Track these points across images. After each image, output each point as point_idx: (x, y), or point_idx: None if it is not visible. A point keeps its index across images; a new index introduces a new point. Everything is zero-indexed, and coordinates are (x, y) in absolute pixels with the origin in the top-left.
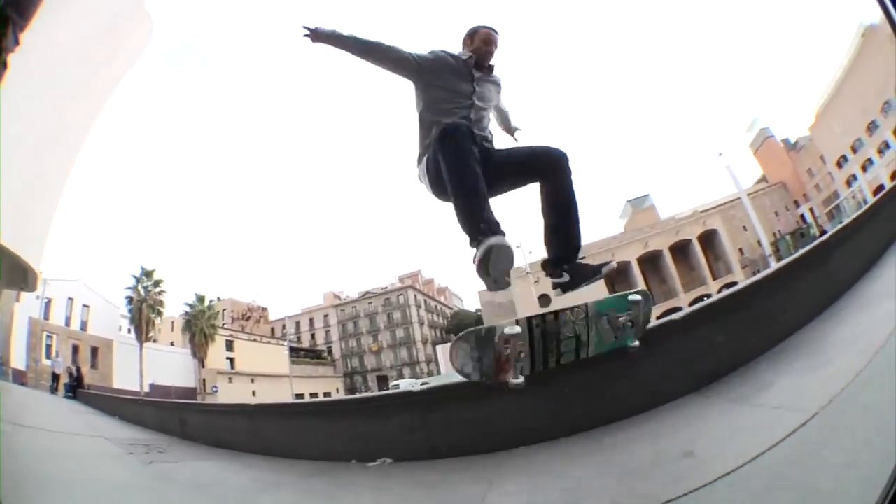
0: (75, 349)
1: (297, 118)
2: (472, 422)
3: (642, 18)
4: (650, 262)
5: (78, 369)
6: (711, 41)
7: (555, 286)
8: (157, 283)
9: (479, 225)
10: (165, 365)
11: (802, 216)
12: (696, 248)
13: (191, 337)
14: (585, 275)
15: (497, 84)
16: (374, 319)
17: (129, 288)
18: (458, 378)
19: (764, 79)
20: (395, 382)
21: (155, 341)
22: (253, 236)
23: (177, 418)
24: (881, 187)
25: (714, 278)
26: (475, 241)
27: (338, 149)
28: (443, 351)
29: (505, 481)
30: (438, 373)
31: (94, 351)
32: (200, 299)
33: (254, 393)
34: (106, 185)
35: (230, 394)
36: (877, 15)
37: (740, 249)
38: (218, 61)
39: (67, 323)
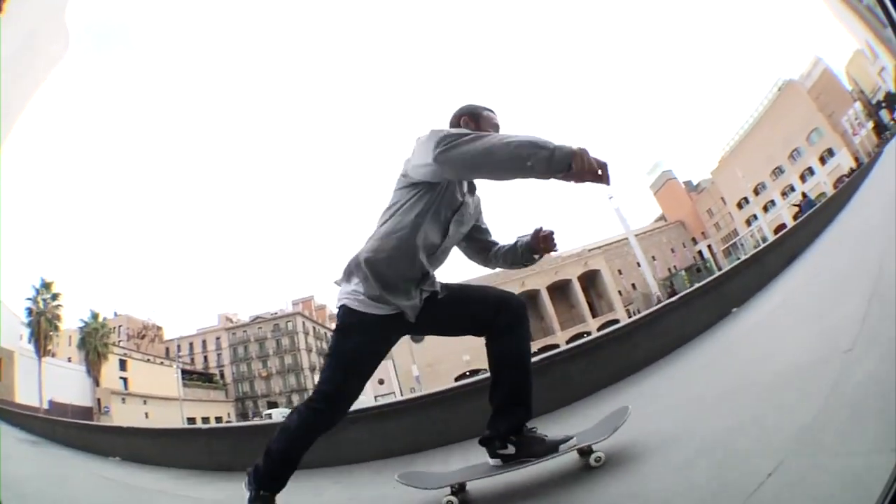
0: None
1: (197, 131)
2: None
3: (557, 54)
4: (528, 300)
5: None
6: (621, 85)
7: (493, 456)
8: (55, 297)
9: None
10: (63, 381)
11: (700, 252)
12: (576, 287)
13: (85, 354)
14: (536, 451)
15: (477, 201)
16: (263, 344)
17: (30, 299)
18: None
19: (669, 124)
20: (268, 412)
21: (53, 355)
22: (154, 251)
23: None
24: (783, 226)
25: (594, 316)
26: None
27: (244, 166)
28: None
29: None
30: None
31: None
32: (95, 316)
33: (146, 415)
34: (8, 189)
35: (123, 415)
36: (797, 72)
37: (633, 284)
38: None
39: None
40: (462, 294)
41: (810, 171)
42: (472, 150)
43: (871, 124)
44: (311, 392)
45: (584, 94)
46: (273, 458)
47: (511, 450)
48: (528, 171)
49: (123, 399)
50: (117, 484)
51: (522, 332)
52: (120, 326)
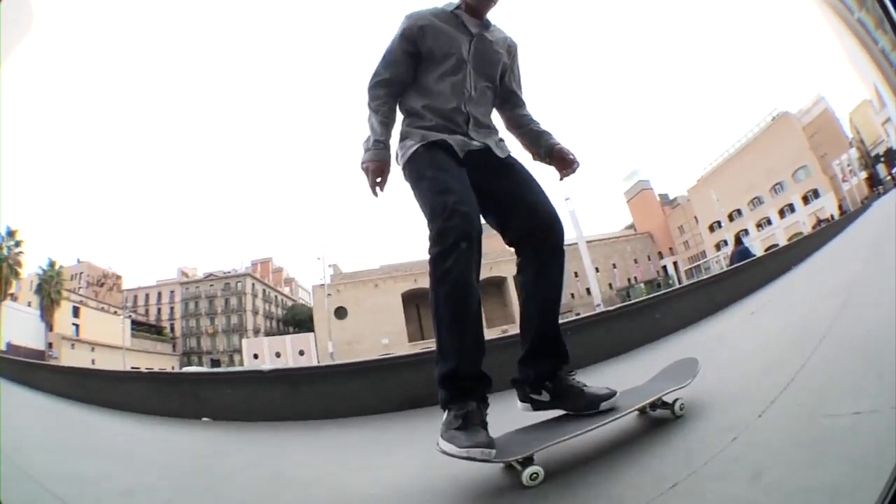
0: None
1: (171, 82)
2: None
3: (555, 57)
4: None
5: None
6: (611, 85)
7: (524, 399)
8: (17, 244)
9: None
10: (22, 324)
11: (665, 268)
12: (511, 285)
13: (40, 300)
14: (575, 402)
15: (506, 43)
16: (213, 302)
17: None
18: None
19: (655, 133)
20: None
21: (16, 299)
22: (126, 200)
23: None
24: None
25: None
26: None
27: (218, 128)
28: (247, 345)
29: None
30: (241, 364)
31: None
32: (52, 264)
33: (93, 361)
34: None
35: (70, 360)
36: (795, 106)
37: (587, 289)
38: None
39: None
40: (521, 180)
41: (791, 207)
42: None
43: (864, 174)
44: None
45: (572, 90)
46: (445, 342)
47: (545, 396)
48: None
49: (73, 345)
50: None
51: (562, 262)
52: (81, 273)
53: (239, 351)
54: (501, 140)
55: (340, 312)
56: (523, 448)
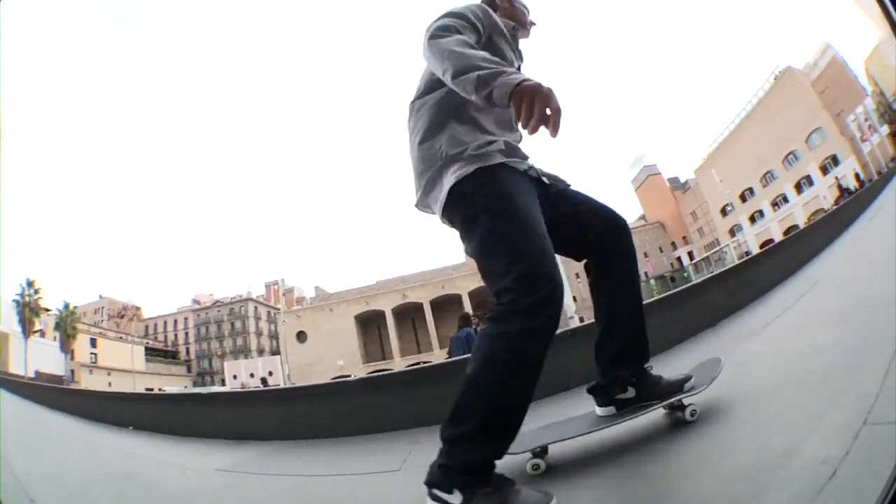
0: None
1: (193, 110)
2: None
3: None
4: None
5: None
6: (608, 70)
7: (605, 404)
8: (36, 291)
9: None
10: (48, 355)
11: (679, 259)
12: (466, 301)
13: (60, 335)
14: (659, 391)
15: None
16: (220, 326)
17: (18, 294)
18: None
19: (658, 113)
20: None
21: (43, 335)
22: (141, 236)
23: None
24: (770, 241)
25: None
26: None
27: (233, 150)
28: (228, 367)
29: None
30: (222, 384)
31: None
32: (67, 306)
33: (109, 384)
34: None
35: (89, 384)
36: (801, 61)
37: (573, 297)
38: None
39: None
40: (570, 192)
41: (808, 180)
42: (440, 50)
43: (886, 130)
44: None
45: (566, 75)
46: (476, 419)
47: (631, 393)
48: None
49: (91, 371)
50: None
51: (635, 259)
52: (103, 308)
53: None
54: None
55: (301, 336)
56: (534, 440)
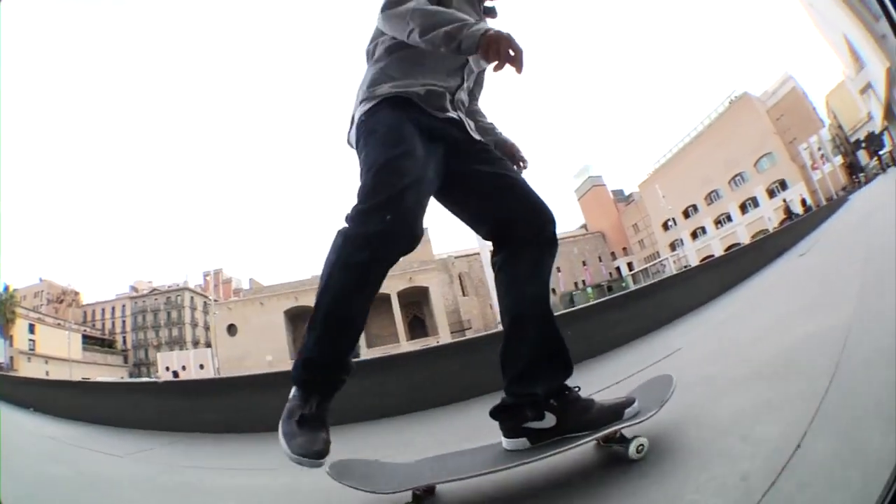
0: None
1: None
2: None
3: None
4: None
5: None
6: (566, 76)
7: (513, 434)
8: None
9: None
10: None
11: (619, 269)
12: (395, 302)
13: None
14: (590, 420)
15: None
16: (157, 315)
17: None
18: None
19: (607, 125)
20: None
21: None
22: (86, 217)
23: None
24: (710, 257)
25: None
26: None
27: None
28: (160, 358)
29: None
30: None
31: None
32: (7, 289)
33: (47, 373)
34: None
35: (26, 371)
36: (760, 88)
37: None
38: None
39: None
40: (503, 165)
41: (754, 201)
42: (399, 15)
43: (840, 160)
44: None
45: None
46: (317, 325)
47: (550, 421)
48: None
49: (29, 358)
50: None
51: (551, 261)
52: (42, 291)
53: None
54: (492, 125)
55: (232, 329)
56: (407, 481)
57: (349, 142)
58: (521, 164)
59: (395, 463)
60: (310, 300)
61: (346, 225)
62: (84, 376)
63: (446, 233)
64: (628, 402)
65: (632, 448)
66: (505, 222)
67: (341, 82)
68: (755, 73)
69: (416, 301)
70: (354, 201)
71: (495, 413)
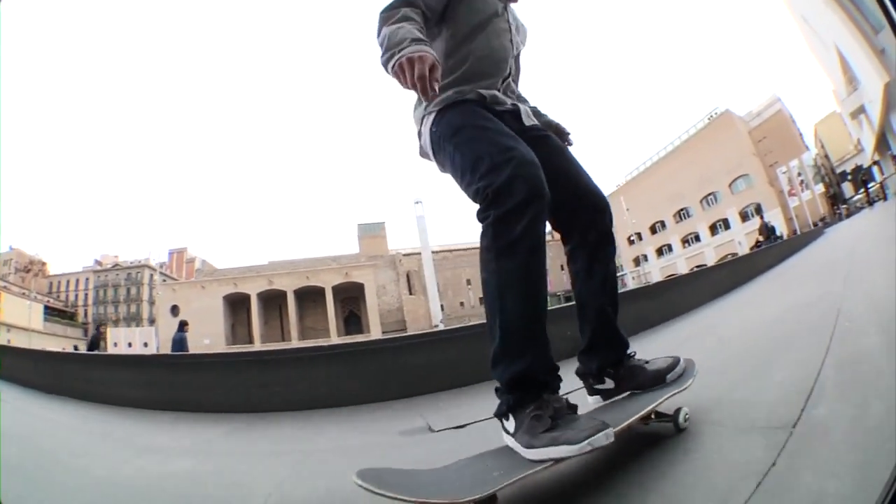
0: None
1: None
2: None
3: None
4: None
5: None
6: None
7: (593, 392)
8: None
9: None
10: None
11: None
12: (329, 296)
13: None
14: (641, 381)
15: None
16: (117, 291)
17: None
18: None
19: (578, 137)
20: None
21: None
22: (62, 186)
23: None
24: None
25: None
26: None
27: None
28: (111, 334)
29: None
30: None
31: None
32: None
33: (9, 341)
34: None
35: None
36: (745, 108)
37: (461, 303)
38: None
39: None
40: (564, 155)
41: (725, 223)
42: (378, 41)
43: (820, 188)
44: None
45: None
46: (507, 339)
47: (609, 384)
48: None
49: None
50: None
51: (607, 252)
52: (11, 260)
53: None
54: (536, 109)
55: (175, 310)
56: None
57: (422, 154)
58: (568, 142)
59: (429, 470)
60: (246, 287)
61: (483, 217)
62: (44, 347)
63: (401, 230)
64: (674, 365)
65: (681, 418)
66: (571, 216)
67: (320, 69)
68: (742, 93)
69: (353, 297)
70: (476, 207)
71: (579, 373)
